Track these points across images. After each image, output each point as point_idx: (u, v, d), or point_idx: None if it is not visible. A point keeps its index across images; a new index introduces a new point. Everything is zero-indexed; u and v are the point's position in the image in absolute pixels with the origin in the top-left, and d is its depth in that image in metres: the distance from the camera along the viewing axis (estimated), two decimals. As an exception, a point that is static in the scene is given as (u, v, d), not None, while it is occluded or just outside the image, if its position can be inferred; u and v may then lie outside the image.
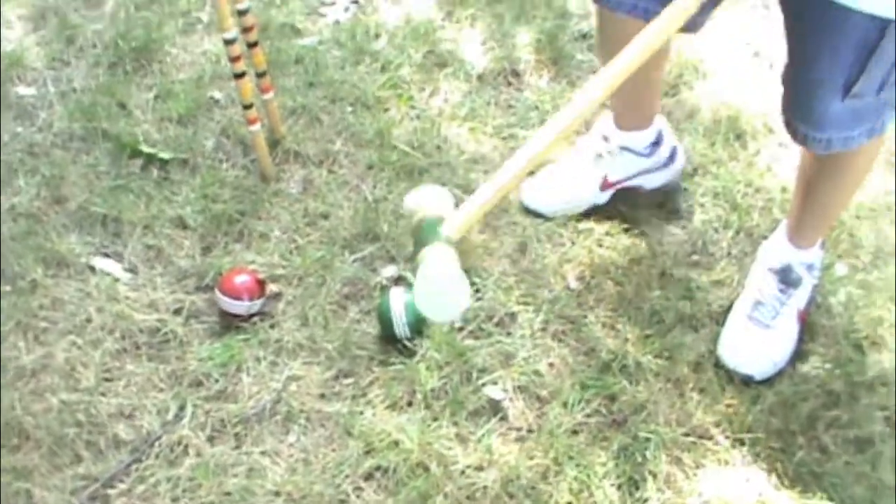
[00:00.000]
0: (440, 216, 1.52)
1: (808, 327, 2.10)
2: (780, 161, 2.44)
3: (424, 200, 1.59)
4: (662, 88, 2.54)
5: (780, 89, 1.80)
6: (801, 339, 2.08)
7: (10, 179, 2.36)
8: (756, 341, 2.02)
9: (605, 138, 2.28)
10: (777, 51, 2.65)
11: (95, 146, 2.44)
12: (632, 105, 2.20)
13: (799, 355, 2.06)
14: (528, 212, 2.33)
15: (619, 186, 2.31)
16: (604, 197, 2.32)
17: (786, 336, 2.05)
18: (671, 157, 2.33)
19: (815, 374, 2.04)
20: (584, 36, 2.77)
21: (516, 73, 2.67)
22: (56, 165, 2.39)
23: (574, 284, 2.18)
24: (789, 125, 1.82)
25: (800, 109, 1.76)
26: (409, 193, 1.63)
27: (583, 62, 2.69)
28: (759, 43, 2.76)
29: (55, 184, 2.35)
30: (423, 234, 1.52)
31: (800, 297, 2.06)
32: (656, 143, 2.28)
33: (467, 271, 2.06)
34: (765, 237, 2.22)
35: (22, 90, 2.61)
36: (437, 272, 1.46)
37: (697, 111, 2.56)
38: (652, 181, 2.32)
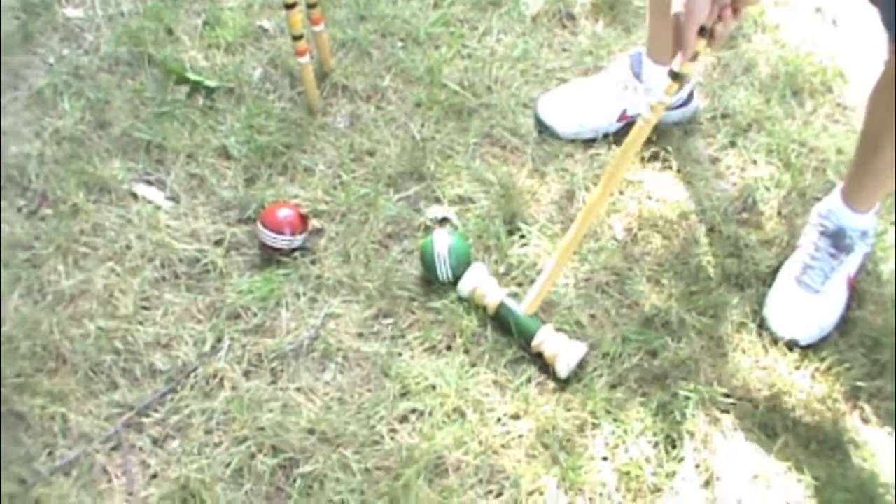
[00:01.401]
0: (511, 301, 1.96)
1: (857, 294, 2.06)
2: (837, 122, 2.39)
3: (473, 282, 1.99)
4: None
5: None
6: (848, 306, 2.03)
7: (55, 102, 2.34)
8: (803, 305, 1.98)
9: (636, 75, 2.26)
10: (840, 6, 2.62)
11: (141, 71, 2.42)
12: (671, 39, 2.16)
13: (846, 322, 2.02)
14: (540, 125, 2.33)
15: (633, 119, 2.26)
16: (616, 127, 2.31)
17: (834, 302, 2.01)
18: (688, 99, 2.32)
19: (861, 342, 2.00)
20: (643, -19, 2.70)
21: (571, 17, 2.62)
22: (101, 89, 2.37)
23: (621, 236, 2.14)
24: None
25: None
26: (461, 284, 1.99)
27: (640, 9, 2.62)
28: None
29: (100, 108, 2.33)
30: (516, 322, 1.95)
31: (851, 263, 2.02)
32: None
33: (514, 216, 2.06)
34: (818, 199, 2.17)
35: (70, 12, 2.58)
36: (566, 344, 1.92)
37: (755, 65, 2.50)
38: (665, 119, 2.28)
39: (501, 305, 1.95)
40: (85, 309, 1.99)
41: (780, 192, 2.23)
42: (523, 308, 1.94)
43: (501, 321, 1.96)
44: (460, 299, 1.99)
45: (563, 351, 1.89)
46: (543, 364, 1.92)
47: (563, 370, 1.89)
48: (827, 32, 2.60)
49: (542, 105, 2.32)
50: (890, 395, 1.93)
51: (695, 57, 1.57)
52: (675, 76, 1.61)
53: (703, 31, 1.53)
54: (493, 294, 1.96)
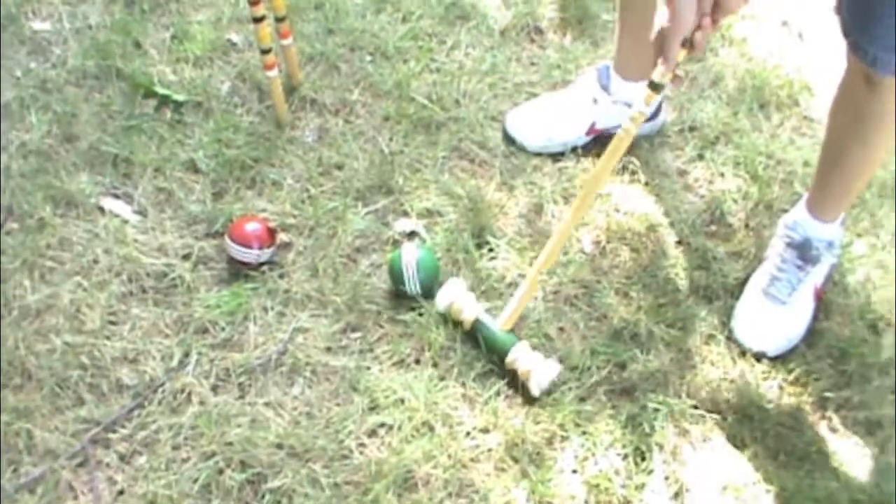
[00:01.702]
0: (487, 317, 1.97)
1: (823, 305, 2.07)
2: (804, 135, 2.41)
3: (450, 296, 1.99)
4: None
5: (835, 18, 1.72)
6: (815, 317, 2.05)
7: (22, 115, 2.32)
8: (771, 317, 2.00)
9: (605, 88, 2.26)
10: (806, 20, 2.64)
11: (109, 85, 2.40)
12: (639, 55, 2.17)
13: (813, 333, 2.03)
14: (508, 139, 2.33)
15: (602, 133, 2.30)
16: (585, 140, 2.32)
17: (801, 313, 2.02)
18: (657, 111, 2.34)
19: (828, 353, 2.01)
20: (611, -5, 2.72)
21: (539, 31, 2.63)
22: (68, 103, 2.35)
23: (589, 248, 2.15)
24: (856, 48, 1.71)
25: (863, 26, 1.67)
26: (438, 298, 1.99)
27: (608, 23, 2.63)
28: (788, 12, 2.71)
29: (67, 121, 2.32)
30: (492, 338, 1.95)
31: (817, 274, 2.03)
32: None
33: (482, 230, 2.06)
34: (784, 210, 2.19)
35: (37, 25, 2.56)
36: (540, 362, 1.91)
37: (722, 78, 2.52)
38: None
39: (477, 321, 1.95)
40: (51, 324, 1.97)
41: (748, 204, 2.25)
42: (499, 324, 1.94)
43: (477, 337, 1.96)
44: (430, 313, 1.99)
45: (537, 370, 1.89)
46: (513, 378, 1.92)
47: (535, 389, 1.89)
48: (793, 46, 2.63)
49: (510, 119, 2.33)
50: (857, 406, 1.94)
51: (676, 66, 1.58)
52: (655, 86, 1.62)
53: (683, 42, 1.54)
54: (469, 309, 1.96)
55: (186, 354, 1.94)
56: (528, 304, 2.02)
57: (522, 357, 1.90)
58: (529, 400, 1.90)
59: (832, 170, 1.95)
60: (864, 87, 1.73)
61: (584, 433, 1.86)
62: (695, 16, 1.51)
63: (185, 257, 2.08)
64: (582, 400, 1.91)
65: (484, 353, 1.95)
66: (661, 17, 1.55)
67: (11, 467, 1.79)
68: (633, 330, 2.01)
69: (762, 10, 2.71)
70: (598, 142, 2.30)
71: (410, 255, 2.00)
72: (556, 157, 2.30)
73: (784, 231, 2.05)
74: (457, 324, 1.98)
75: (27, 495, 1.76)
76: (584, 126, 2.28)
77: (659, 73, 1.59)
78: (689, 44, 1.55)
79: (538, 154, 2.30)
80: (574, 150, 2.30)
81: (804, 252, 2.01)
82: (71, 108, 2.34)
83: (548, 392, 1.91)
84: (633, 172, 2.27)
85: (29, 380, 1.89)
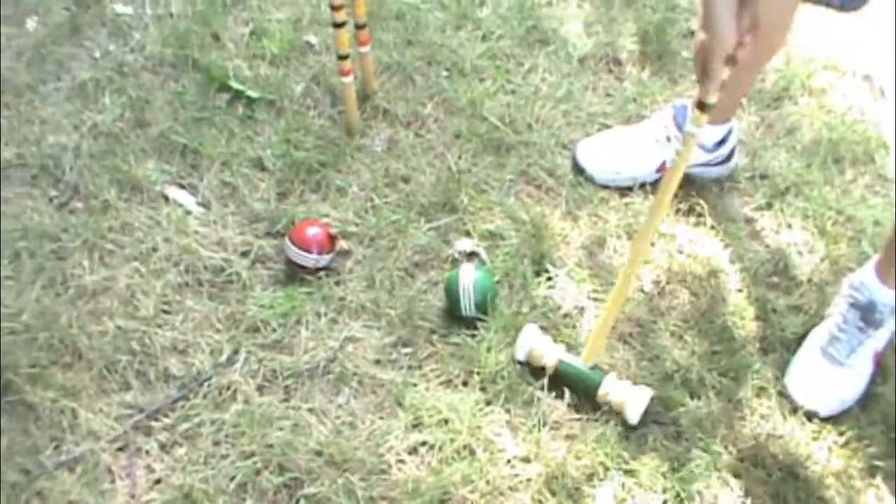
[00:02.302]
0: (570, 357, 1.93)
1: (882, 370, 2.03)
2: (877, 193, 2.37)
3: (529, 343, 1.95)
4: (766, 98, 2.49)
5: None
6: (872, 381, 2.00)
7: (97, 97, 2.35)
8: (827, 377, 1.96)
9: (679, 127, 2.24)
10: (889, 76, 2.60)
11: (184, 74, 2.42)
12: (721, 99, 2.15)
13: (868, 397, 1.99)
14: (578, 169, 2.32)
15: None
16: (653, 177, 2.30)
17: (859, 376, 1.98)
18: (729, 156, 2.31)
19: (882, 419, 1.96)
20: (693, 33, 2.69)
21: (618, 62, 2.61)
22: (143, 88, 2.37)
23: (648, 287, 2.12)
24: None
25: None
26: (517, 348, 1.96)
27: (688, 60, 2.62)
28: (871, 67, 2.67)
29: (139, 107, 2.34)
30: (579, 376, 1.93)
31: (879, 338, 1.99)
32: (722, 142, 2.25)
33: (542, 257, 2.05)
34: (850, 269, 2.15)
35: (119, 8, 2.60)
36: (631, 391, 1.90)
37: (798, 128, 2.49)
38: (704, 174, 2.29)
39: (560, 362, 1.93)
40: (105, 306, 1.98)
41: (813, 258, 2.21)
42: (583, 359, 1.92)
43: (563, 378, 1.92)
44: (482, 337, 1.97)
45: (630, 398, 1.88)
46: (558, 409, 1.90)
47: (633, 417, 1.88)
48: (874, 101, 2.59)
49: (581, 149, 2.31)
50: (907, 477, 1.90)
51: (721, 85, 1.57)
52: (703, 106, 1.60)
53: (725, 59, 1.54)
54: (550, 354, 1.94)
55: (235, 351, 1.94)
56: (581, 338, 2.00)
57: (614, 389, 1.89)
58: (573, 433, 1.88)
59: None
60: None
61: (626, 473, 1.83)
62: (735, 33, 1.51)
63: (244, 254, 2.09)
64: (626, 439, 1.88)
65: (578, 392, 1.93)
66: (701, 35, 1.55)
67: (53, 444, 1.80)
68: (684, 374, 1.98)
69: (845, 62, 2.67)
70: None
71: (468, 276, 1.98)
72: (624, 191, 2.28)
73: (849, 291, 2.01)
74: (537, 370, 1.95)
75: (66, 473, 1.77)
76: (655, 163, 2.26)
77: (703, 93, 1.58)
78: (731, 61, 1.54)
79: (605, 187, 2.28)
80: (642, 186, 2.28)
81: (867, 315, 1.97)
82: (145, 93, 2.36)
83: (590, 425, 1.88)
84: (700, 215, 2.24)
85: (79, 359, 1.91)
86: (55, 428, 1.82)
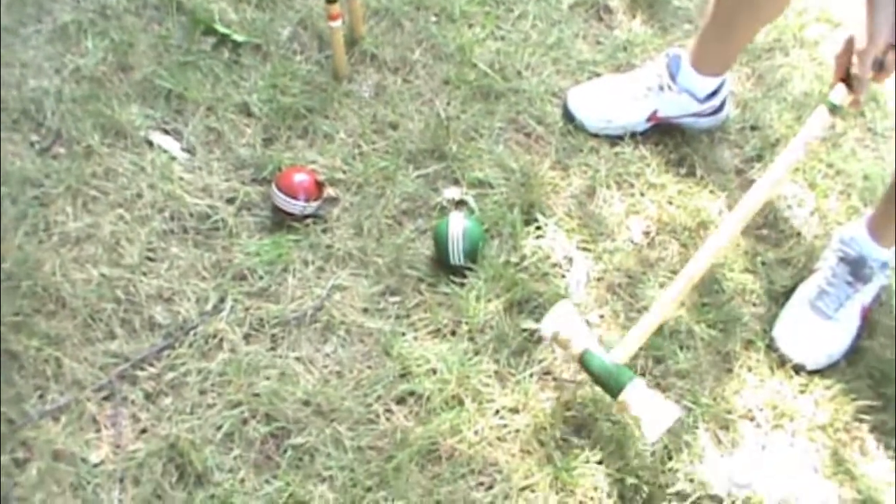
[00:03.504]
0: (598, 349, 1.75)
1: (868, 324, 2.03)
2: (866, 147, 2.36)
3: (558, 323, 1.79)
4: (758, 50, 2.47)
5: None
6: (859, 336, 2.01)
7: (79, 39, 2.30)
8: (815, 331, 1.96)
9: (672, 77, 2.21)
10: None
11: (169, 17, 2.37)
12: (720, 53, 2.12)
13: (855, 351, 2.00)
14: (568, 116, 2.29)
15: (663, 121, 2.26)
16: (645, 126, 2.28)
17: (846, 330, 1.98)
18: (720, 107, 2.28)
19: (868, 373, 1.97)
20: (684, -17, 2.67)
21: (609, 10, 2.57)
22: (126, 31, 2.32)
23: (638, 238, 2.11)
24: None
25: None
26: (544, 323, 1.81)
27: (679, 9, 2.59)
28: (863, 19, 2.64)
29: (123, 50, 2.29)
30: (603, 372, 1.74)
31: (867, 293, 1.99)
32: (714, 93, 2.23)
33: (532, 206, 2.03)
34: (839, 223, 2.15)
35: (101, -52, 2.53)
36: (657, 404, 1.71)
37: (789, 80, 2.47)
38: (694, 124, 2.28)
39: (586, 352, 1.75)
40: (89, 253, 1.95)
41: (803, 211, 2.21)
42: (615, 356, 1.74)
43: (585, 368, 1.77)
44: (471, 285, 1.96)
45: (653, 413, 1.69)
46: (546, 360, 1.89)
47: (651, 434, 1.69)
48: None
49: (571, 97, 2.28)
50: (891, 431, 1.90)
51: (865, 90, 1.50)
52: (834, 108, 1.52)
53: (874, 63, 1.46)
54: (579, 340, 1.77)
55: (222, 300, 1.92)
56: (571, 289, 1.99)
57: (637, 399, 1.70)
58: (562, 384, 1.87)
59: None
60: None
61: (614, 424, 1.83)
62: (891, 33, 1.43)
63: (230, 201, 2.06)
64: (615, 391, 1.88)
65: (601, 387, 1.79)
66: (849, 33, 1.46)
67: (38, 393, 1.78)
68: (673, 326, 1.98)
69: (837, 14, 2.65)
70: (658, 130, 2.27)
71: (457, 225, 1.97)
72: (614, 140, 2.25)
73: (839, 245, 2.01)
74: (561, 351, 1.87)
75: (50, 422, 1.75)
76: (646, 112, 2.24)
77: (841, 96, 1.50)
78: (879, 65, 1.46)
79: (596, 135, 2.26)
80: (633, 135, 2.26)
81: (857, 269, 1.97)
82: (128, 37, 2.31)
83: (580, 377, 1.88)
84: (691, 165, 2.23)
85: (63, 308, 1.88)
86: (39, 377, 1.80)
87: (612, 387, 1.72)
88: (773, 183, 1.70)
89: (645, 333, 1.75)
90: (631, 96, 2.24)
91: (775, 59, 2.51)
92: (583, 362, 1.76)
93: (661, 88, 2.21)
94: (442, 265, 2.00)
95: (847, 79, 1.50)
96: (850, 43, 1.46)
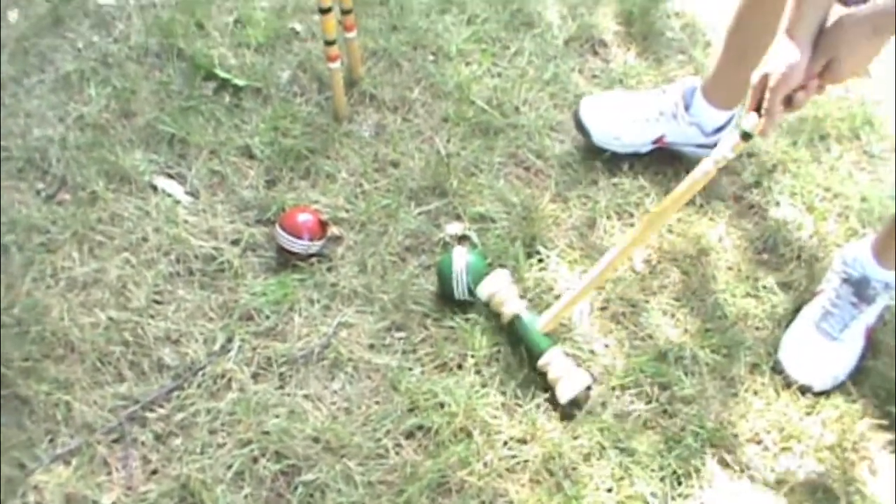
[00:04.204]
0: (529, 315, 1.95)
1: (872, 344, 2.04)
2: (863, 169, 2.38)
3: (494, 286, 1.98)
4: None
5: None
6: (864, 356, 2.02)
7: (82, 88, 2.33)
8: (820, 352, 1.97)
9: (686, 107, 2.23)
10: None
11: (170, 64, 2.41)
12: (731, 86, 2.15)
13: (860, 371, 2.00)
14: (578, 125, 2.31)
15: (667, 147, 2.29)
16: (648, 149, 2.30)
17: (851, 351, 1.99)
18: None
19: (874, 392, 1.98)
20: (677, 14, 2.70)
21: (604, 44, 2.61)
22: (128, 79, 2.36)
23: (640, 267, 2.13)
24: None
25: None
26: (481, 286, 1.98)
27: (672, 40, 2.62)
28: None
29: (125, 97, 2.32)
30: (528, 337, 1.94)
31: (871, 314, 2.00)
32: (722, 128, 2.25)
33: (534, 239, 2.05)
34: (838, 245, 2.17)
35: (102, -1, 2.58)
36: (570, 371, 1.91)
37: (784, 106, 2.49)
38: (697, 154, 2.27)
39: (516, 317, 1.94)
40: (97, 298, 1.97)
41: (802, 235, 2.22)
42: (539, 325, 1.92)
43: (513, 332, 1.94)
44: (476, 320, 1.98)
45: (567, 377, 1.87)
46: (553, 390, 1.90)
47: (563, 396, 1.87)
48: (858, 79, 2.59)
49: (584, 106, 2.30)
50: (900, 449, 1.92)
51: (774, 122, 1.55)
52: (746, 136, 1.57)
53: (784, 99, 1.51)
54: (510, 304, 1.95)
55: (229, 340, 1.94)
56: (575, 319, 2.00)
57: (555, 362, 1.89)
58: (569, 413, 1.88)
59: None
60: None
61: (622, 451, 1.84)
62: (804, 75, 1.48)
63: (235, 242, 2.08)
64: (622, 418, 1.89)
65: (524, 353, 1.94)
66: (766, 65, 1.51)
67: (48, 437, 1.80)
68: (677, 352, 1.99)
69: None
70: (658, 156, 2.29)
71: (460, 259, 1.98)
72: (613, 172, 2.28)
73: (842, 266, 2.02)
74: (495, 315, 1.98)
75: (62, 466, 1.76)
76: (654, 135, 2.26)
77: (752, 123, 1.55)
78: (787, 101, 1.51)
79: (600, 151, 2.29)
80: (632, 165, 2.28)
81: (861, 290, 1.98)
82: (130, 84, 2.35)
83: (586, 404, 1.89)
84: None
85: (72, 352, 1.90)
86: (50, 421, 1.81)
87: (535, 351, 1.92)
88: (682, 193, 1.74)
89: (564, 307, 1.91)
90: (643, 117, 2.26)
91: (769, 86, 2.53)
92: (512, 325, 1.95)
93: (675, 116, 2.22)
94: (446, 300, 2.01)
95: (759, 109, 1.55)
96: (765, 78, 1.51)
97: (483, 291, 1.97)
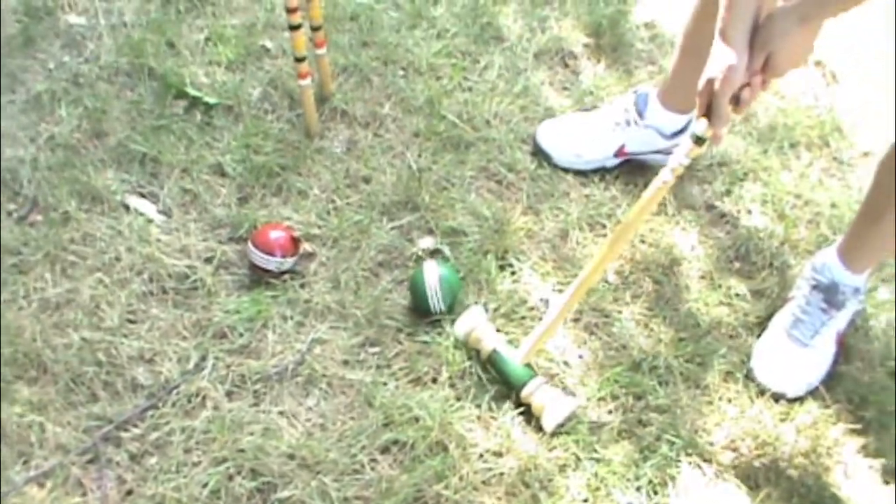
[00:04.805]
0: (505, 350, 1.93)
1: (844, 349, 2.05)
2: (833, 176, 2.40)
3: (470, 323, 1.96)
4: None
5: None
6: (836, 361, 2.03)
7: (53, 108, 2.33)
8: (792, 359, 1.98)
9: (640, 113, 2.25)
10: (840, 61, 2.63)
11: (141, 83, 2.40)
12: (688, 88, 2.16)
13: (832, 377, 2.02)
14: (538, 150, 2.34)
15: (630, 157, 2.31)
16: (613, 162, 2.32)
17: (822, 357, 2.01)
18: None
19: (847, 397, 2.00)
20: (646, 25, 2.72)
21: (573, 56, 2.62)
22: (99, 99, 2.35)
23: (612, 278, 2.14)
24: None
25: None
26: (457, 325, 1.98)
27: (642, 51, 2.64)
28: (822, 52, 2.70)
29: (97, 117, 2.32)
30: (508, 371, 1.93)
31: (841, 319, 2.02)
32: (681, 131, 2.26)
33: (506, 252, 2.05)
34: (810, 252, 2.18)
35: (72, 19, 2.57)
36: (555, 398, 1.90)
37: (753, 115, 2.51)
38: (661, 162, 2.28)
39: (494, 352, 1.93)
40: (70, 318, 1.96)
41: (773, 242, 2.24)
42: (518, 358, 1.92)
43: (493, 367, 1.94)
44: (449, 333, 1.98)
45: (551, 404, 1.87)
46: (527, 410, 1.90)
47: (549, 424, 1.87)
48: (826, 86, 2.62)
49: (541, 131, 2.33)
50: (874, 453, 1.92)
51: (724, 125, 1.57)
52: (699, 140, 1.59)
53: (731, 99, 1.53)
54: (488, 340, 1.94)
55: (203, 358, 1.93)
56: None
57: (538, 392, 1.89)
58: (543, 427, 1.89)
59: (871, 226, 1.92)
60: None
61: (598, 462, 1.84)
62: (745, 73, 1.50)
63: (208, 260, 2.08)
64: (597, 429, 1.90)
65: (505, 386, 1.93)
66: (708, 70, 1.53)
67: (22, 459, 1.78)
68: (651, 362, 2.00)
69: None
70: (627, 168, 2.31)
71: (433, 274, 1.99)
72: (584, 183, 2.29)
73: (811, 273, 2.04)
74: (474, 352, 1.97)
75: (36, 488, 1.75)
76: (614, 146, 2.28)
77: (703, 128, 1.57)
78: (734, 101, 1.53)
79: (566, 179, 2.29)
80: (603, 177, 2.29)
81: (830, 296, 1.99)
82: (101, 103, 2.34)
83: (561, 424, 1.89)
84: (661, 204, 2.26)
85: (44, 373, 1.89)
86: (23, 443, 1.80)
87: (516, 384, 1.90)
88: (646, 203, 1.74)
89: (541, 337, 1.89)
90: (599, 131, 2.29)
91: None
92: (491, 360, 1.93)
93: (629, 123, 2.25)
94: (419, 315, 2.02)
95: (708, 113, 1.57)
96: (710, 83, 1.53)
97: (459, 329, 1.97)
